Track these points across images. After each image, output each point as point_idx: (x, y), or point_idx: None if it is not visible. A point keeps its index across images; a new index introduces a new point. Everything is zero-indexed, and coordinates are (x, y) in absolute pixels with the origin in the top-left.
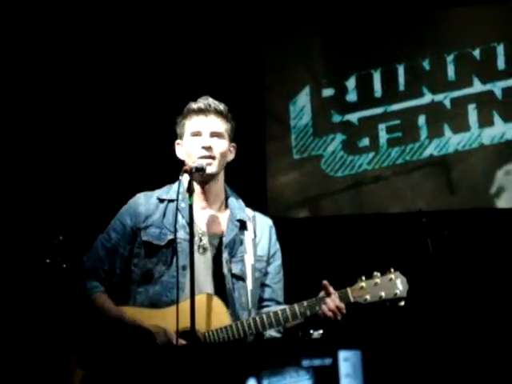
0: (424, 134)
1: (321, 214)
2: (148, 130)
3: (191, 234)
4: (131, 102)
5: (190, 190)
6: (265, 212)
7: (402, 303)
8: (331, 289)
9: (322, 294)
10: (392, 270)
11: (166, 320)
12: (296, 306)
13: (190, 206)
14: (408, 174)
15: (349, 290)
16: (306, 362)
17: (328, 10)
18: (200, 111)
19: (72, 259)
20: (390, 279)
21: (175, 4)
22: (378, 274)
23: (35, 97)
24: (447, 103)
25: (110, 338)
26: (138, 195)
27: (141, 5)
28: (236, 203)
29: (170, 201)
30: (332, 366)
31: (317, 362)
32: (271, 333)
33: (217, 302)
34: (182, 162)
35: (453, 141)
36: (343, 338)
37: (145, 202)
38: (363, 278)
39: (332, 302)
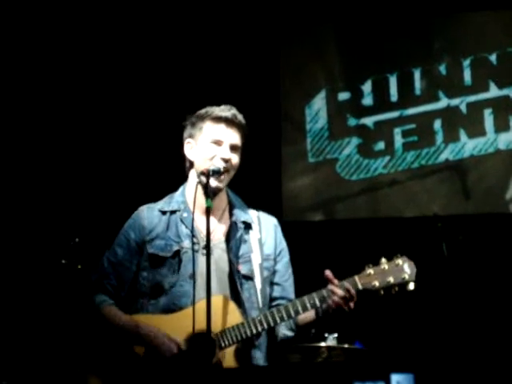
0: (440, 138)
1: (336, 218)
2: (165, 133)
3: (208, 238)
4: (150, 105)
5: (208, 193)
6: (280, 215)
7: (412, 287)
8: (336, 281)
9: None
10: (399, 255)
11: (178, 324)
12: (305, 298)
13: (208, 209)
14: (423, 178)
15: (356, 277)
16: None
17: (344, 14)
18: (226, 120)
19: (87, 260)
20: (397, 264)
21: (191, 6)
22: (385, 260)
23: (52, 103)
24: (463, 108)
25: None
26: (141, 208)
27: (158, 5)
28: (238, 205)
29: (172, 212)
30: None
31: None
32: (284, 332)
33: (228, 303)
34: (191, 163)
35: (468, 145)
36: (396, 361)
37: (147, 215)
38: (370, 265)
39: (340, 289)
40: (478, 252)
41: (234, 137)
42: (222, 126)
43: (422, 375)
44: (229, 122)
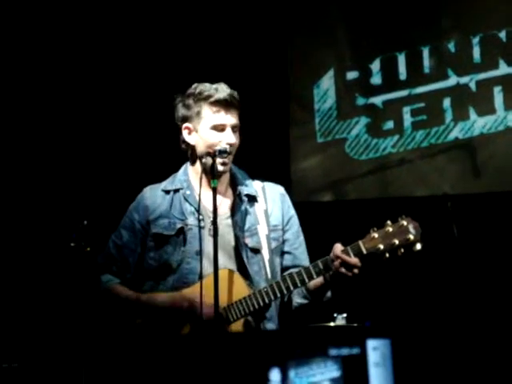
0: (449, 116)
1: (345, 198)
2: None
3: (214, 217)
4: (155, 89)
5: (214, 173)
6: (289, 196)
7: (418, 247)
8: (339, 247)
9: None
10: (403, 216)
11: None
12: (311, 266)
13: (214, 189)
14: (433, 157)
15: (360, 242)
16: (333, 351)
17: None
18: (225, 104)
19: (96, 243)
20: (401, 225)
21: None
22: (390, 223)
23: (58, 88)
24: (472, 86)
25: (130, 326)
26: (145, 189)
27: None
28: (242, 179)
29: (176, 190)
30: (360, 355)
31: (344, 352)
32: (298, 300)
33: (235, 277)
34: (192, 147)
35: (478, 124)
36: (372, 326)
37: (151, 195)
38: (375, 228)
39: (344, 257)
40: (489, 231)
41: (233, 118)
42: (221, 111)
43: (399, 341)
44: (228, 104)
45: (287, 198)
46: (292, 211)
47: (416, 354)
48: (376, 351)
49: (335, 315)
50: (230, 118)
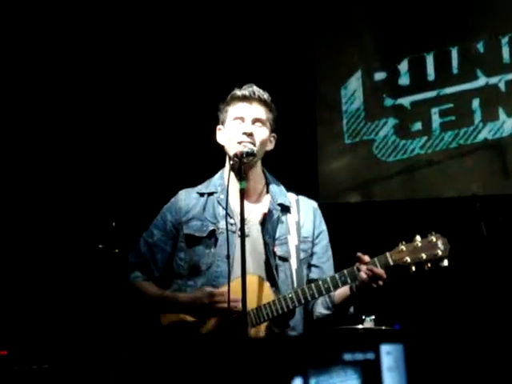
0: (478, 117)
1: (373, 199)
2: (201, 120)
3: (242, 219)
4: (189, 90)
5: (241, 175)
6: (317, 197)
7: (446, 263)
8: (366, 257)
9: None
10: (433, 232)
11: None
12: (336, 275)
13: (242, 191)
14: (461, 158)
15: (388, 253)
16: (348, 357)
17: None
18: (244, 98)
19: (124, 245)
20: (431, 241)
21: None
22: (419, 238)
23: (94, 88)
24: (502, 86)
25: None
26: (180, 192)
27: None
28: (276, 188)
29: (210, 194)
30: (374, 360)
31: (359, 357)
32: (321, 310)
33: (261, 283)
34: (222, 148)
35: (507, 124)
36: (385, 332)
37: (185, 197)
38: (403, 242)
39: (370, 267)
40: None
41: (255, 111)
42: (241, 104)
43: (412, 345)
44: (247, 98)
45: (319, 212)
46: (323, 226)
47: (428, 359)
48: (389, 356)
49: (363, 317)
50: (250, 111)
